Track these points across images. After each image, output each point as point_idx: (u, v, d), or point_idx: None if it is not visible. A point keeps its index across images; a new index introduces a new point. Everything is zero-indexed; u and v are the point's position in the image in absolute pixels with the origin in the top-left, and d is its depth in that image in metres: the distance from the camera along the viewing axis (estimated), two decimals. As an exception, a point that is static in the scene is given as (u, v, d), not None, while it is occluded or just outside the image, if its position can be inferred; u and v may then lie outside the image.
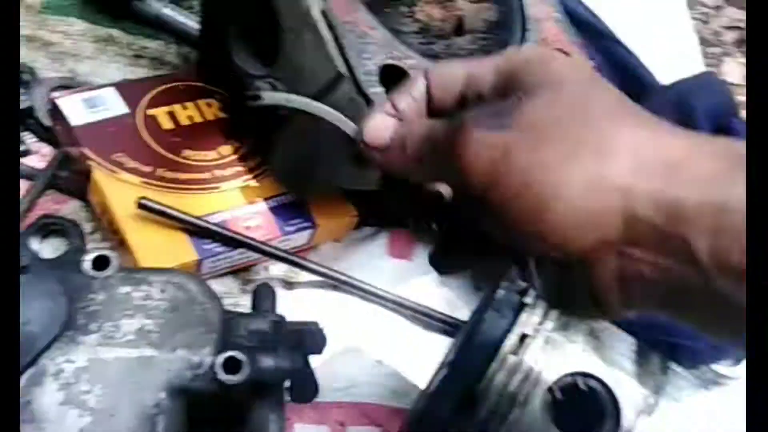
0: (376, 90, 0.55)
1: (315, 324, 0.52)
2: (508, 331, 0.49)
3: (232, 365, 0.47)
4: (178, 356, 0.47)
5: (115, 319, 0.47)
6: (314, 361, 0.57)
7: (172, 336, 0.47)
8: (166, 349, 0.47)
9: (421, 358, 0.62)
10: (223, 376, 0.46)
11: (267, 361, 0.49)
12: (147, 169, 0.65)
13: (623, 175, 0.32)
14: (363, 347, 0.64)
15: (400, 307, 0.66)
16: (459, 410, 0.50)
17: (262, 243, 0.63)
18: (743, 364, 0.68)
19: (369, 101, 0.54)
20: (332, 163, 0.58)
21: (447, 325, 0.66)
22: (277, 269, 0.67)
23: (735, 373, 0.68)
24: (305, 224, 0.66)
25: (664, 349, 0.55)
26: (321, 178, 0.61)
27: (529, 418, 0.48)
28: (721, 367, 0.68)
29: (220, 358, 0.46)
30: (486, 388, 0.49)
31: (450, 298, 0.69)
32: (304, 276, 0.67)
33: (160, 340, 0.47)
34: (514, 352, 0.50)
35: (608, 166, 0.32)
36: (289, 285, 0.66)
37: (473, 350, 0.50)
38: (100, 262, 0.49)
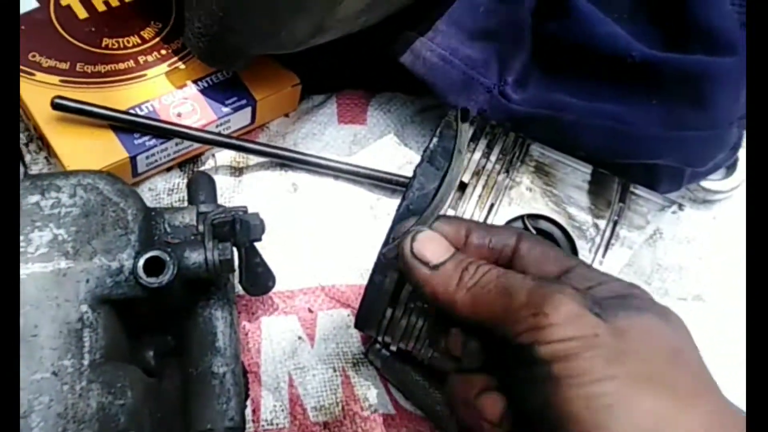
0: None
1: (245, 209, 0.48)
2: (440, 183, 0.44)
3: (155, 266, 0.43)
4: (96, 264, 0.43)
5: (26, 233, 0.44)
6: (273, 249, 0.54)
7: (88, 243, 0.44)
8: (83, 258, 0.43)
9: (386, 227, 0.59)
10: (146, 278, 0.43)
11: (194, 257, 0.45)
12: (65, 66, 0.60)
13: None
14: (322, 226, 0.60)
15: (357, 176, 0.61)
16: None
17: (197, 129, 0.58)
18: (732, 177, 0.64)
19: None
20: (242, 28, 0.52)
21: (410, 188, 0.61)
22: (225, 157, 0.62)
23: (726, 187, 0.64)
24: (242, 101, 0.60)
25: (626, 172, 0.50)
26: (235, 46, 0.55)
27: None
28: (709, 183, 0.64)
29: (141, 260, 0.43)
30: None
31: (412, 158, 0.64)
32: (253, 159, 0.62)
33: (75, 250, 0.44)
34: (453, 206, 0.46)
35: None
36: (237, 171, 0.62)
37: (410, 209, 0.46)
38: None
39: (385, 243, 0.46)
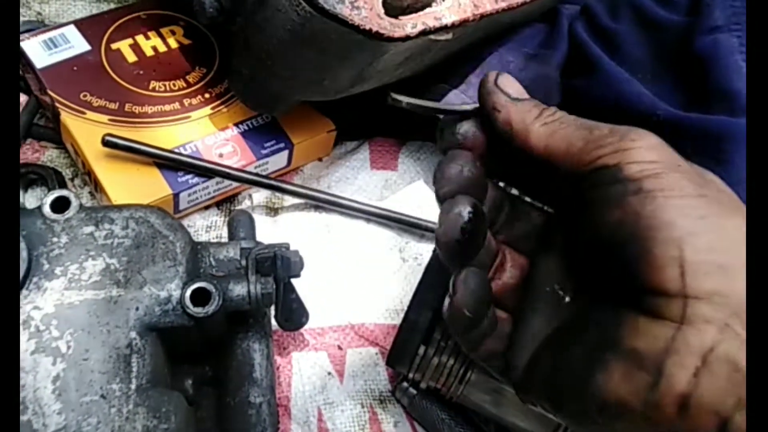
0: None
1: (287, 245, 0.50)
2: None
3: (201, 297, 0.45)
4: (146, 293, 0.45)
5: (80, 261, 0.46)
6: (305, 286, 0.56)
7: (138, 273, 0.46)
8: (133, 287, 0.46)
9: (416, 271, 0.61)
10: (192, 308, 0.45)
11: (238, 289, 0.47)
12: (114, 106, 0.63)
13: None
14: (353, 267, 0.62)
15: (387, 219, 0.64)
16: (438, 315, 0.48)
17: (237, 169, 0.61)
18: None
19: None
20: (288, 75, 0.55)
21: (438, 233, 0.64)
22: (261, 197, 0.65)
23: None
24: (280, 145, 0.63)
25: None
26: (279, 92, 0.58)
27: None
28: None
29: (188, 291, 0.45)
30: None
31: (440, 205, 0.66)
32: (288, 200, 0.65)
33: (126, 279, 0.46)
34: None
35: None
36: (272, 211, 0.65)
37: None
38: (60, 204, 0.48)
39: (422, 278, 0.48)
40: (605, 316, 0.34)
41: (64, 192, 0.48)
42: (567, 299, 0.38)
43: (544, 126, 0.37)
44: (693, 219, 0.31)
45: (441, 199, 0.38)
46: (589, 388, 0.33)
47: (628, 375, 0.32)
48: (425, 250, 0.64)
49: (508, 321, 0.40)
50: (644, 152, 0.33)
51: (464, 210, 0.36)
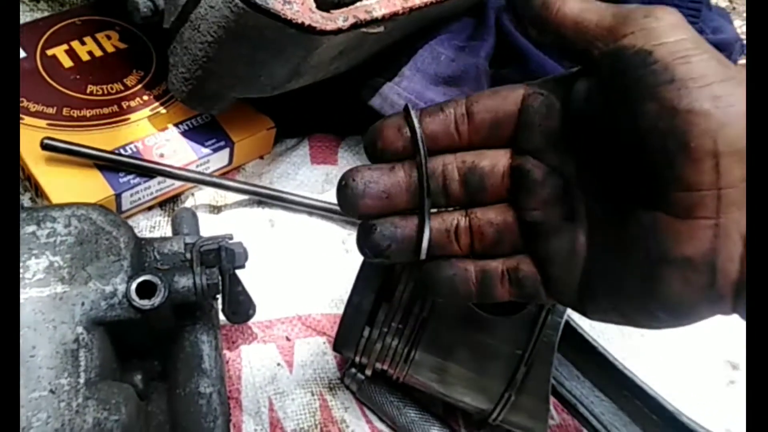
0: None
1: (230, 236, 0.51)
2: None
3: (146, 289, 0.46)
4: (91, 288, 0.46)
5: (23, 261, 0.46)
6: (251, 280, 0.57)
7: (83, 269, 0.47)
8: (78, 283, 0.46)
9: (359, 261, 0.62)
10: (138, 301, 0.45)
11: (184, 281, 0.48)
12: (52, 110, 0.63)
13: None
14: (298, 259, 0.64)
15: (329, 212, 0.65)
16: (381, 297, 0.49)
17: (179, 168, 0.61)
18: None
19: None
20: (224, 72, 0.56)
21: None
22: (204, 195, 0.66)
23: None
24: (220, 143, 0.64)
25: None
26: (217, 90, 0.59)
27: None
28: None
29: (133, 284, 0.46)
30: (401, 271, 0.49)
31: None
32: (231, 198, 0.66)
33: (70, 275, 0.46)
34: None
35: None
36: (216, 209, 0.65)
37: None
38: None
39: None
40: (642, 227, 0.35)
41: None
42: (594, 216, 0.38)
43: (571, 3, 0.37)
44: (724, 109, 0.32)
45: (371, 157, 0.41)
46: (652, 301, 0.35)
47: (687, 280, 0.33)
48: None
49: (527, 263, 0.40)
50: (670, 30, 0.34)
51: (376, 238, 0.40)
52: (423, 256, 0.40)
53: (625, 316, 0.37)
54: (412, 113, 0.40)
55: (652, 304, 0.35)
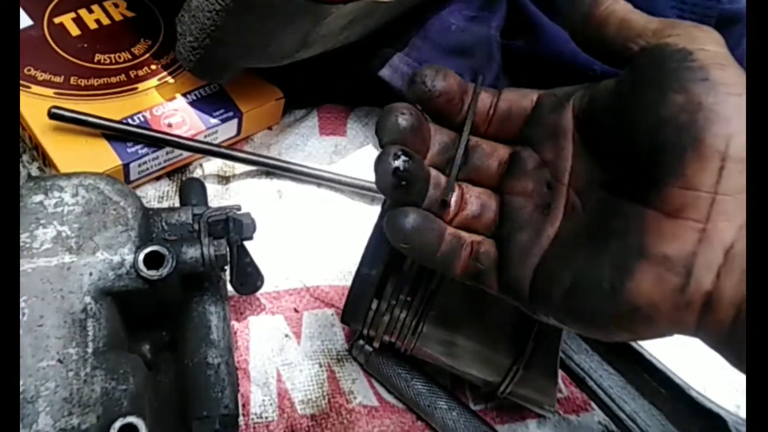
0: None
1: (238, 207, 0.51)
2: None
3: (154, 260, 0.46)
4: (99, 258, 0.46)
5: (30, 230, 0.46)
6: (259, 252, 0.57)
7: (90, 239, 0.46)
8: (86, 253, 0.46)
9: (367, 232, 0.62)
10: (146, 271, 0.45)
11: (191, 252, 0.48)
12: (59, 79, 0.62)
13: None
14: (306, 231, 0.63)
15: (337, 183, 0.65)
16: (389, 269, 0.49)
17: (187, 138, 0.61)
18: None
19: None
20: (233, 41, 0.55)
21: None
22: (212, 166, 0.66)
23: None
24: (229, 113, 0.64)
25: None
26: (225, 60, 0.58)
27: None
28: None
29: (141, 254, 0.46)
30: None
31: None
32: (239, 168, 0.65)
33: (78, 245, 0.46)
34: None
35: None
36: (224, 180, 0.65)
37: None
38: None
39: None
40: (626, 221, 0.35)
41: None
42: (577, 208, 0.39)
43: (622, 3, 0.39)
44: (743, 119, 0.33)
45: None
46: (618, 296, 0.34)
47: (659, 280, 0.33)
48: (375, 212, 0.65)
49: (490, 243, 0.42)
50: (712, 42, 0.35)
51: (393, 158, 0.38)
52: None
53: (580, 316, 0.37)
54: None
55: (617, 304, 0.34)
